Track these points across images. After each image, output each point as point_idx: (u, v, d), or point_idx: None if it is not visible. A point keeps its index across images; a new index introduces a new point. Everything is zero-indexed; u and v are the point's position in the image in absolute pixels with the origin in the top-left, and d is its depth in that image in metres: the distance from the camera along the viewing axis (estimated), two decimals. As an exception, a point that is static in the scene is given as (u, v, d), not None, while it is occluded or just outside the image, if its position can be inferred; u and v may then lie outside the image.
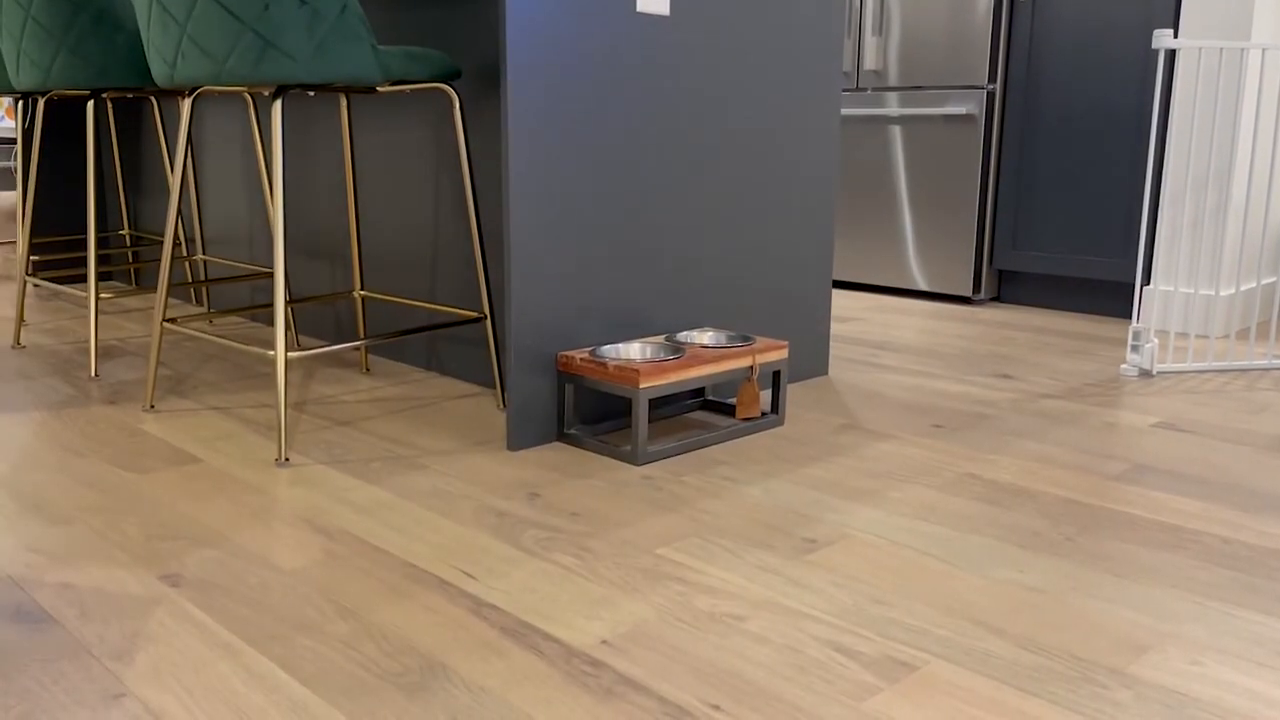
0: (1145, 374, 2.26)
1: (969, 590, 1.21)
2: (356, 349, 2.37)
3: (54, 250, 3.33)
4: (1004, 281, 3.24)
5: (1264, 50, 2.24)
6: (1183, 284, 2.70)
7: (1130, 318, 2.97)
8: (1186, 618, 1.14)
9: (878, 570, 1.26)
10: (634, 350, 1.77)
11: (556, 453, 1.71)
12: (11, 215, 4.45)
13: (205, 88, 1.73)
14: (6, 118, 4.46)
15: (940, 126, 3.15)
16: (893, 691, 0.99)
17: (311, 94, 2.48)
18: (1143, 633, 1.11)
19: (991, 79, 3.05)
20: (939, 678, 1.02)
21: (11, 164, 4.40)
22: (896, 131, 3.26)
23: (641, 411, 1.63)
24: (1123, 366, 2.29)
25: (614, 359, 1.70)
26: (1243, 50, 2.47)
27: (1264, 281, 2.88)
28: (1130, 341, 2.27)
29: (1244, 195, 2.65)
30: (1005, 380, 2.21)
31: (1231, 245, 2.67)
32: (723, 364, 1.75)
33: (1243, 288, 2.74)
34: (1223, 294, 2.67)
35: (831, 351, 2.49)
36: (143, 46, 2.17)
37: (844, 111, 3.36)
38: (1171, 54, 2.71)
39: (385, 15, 2.20)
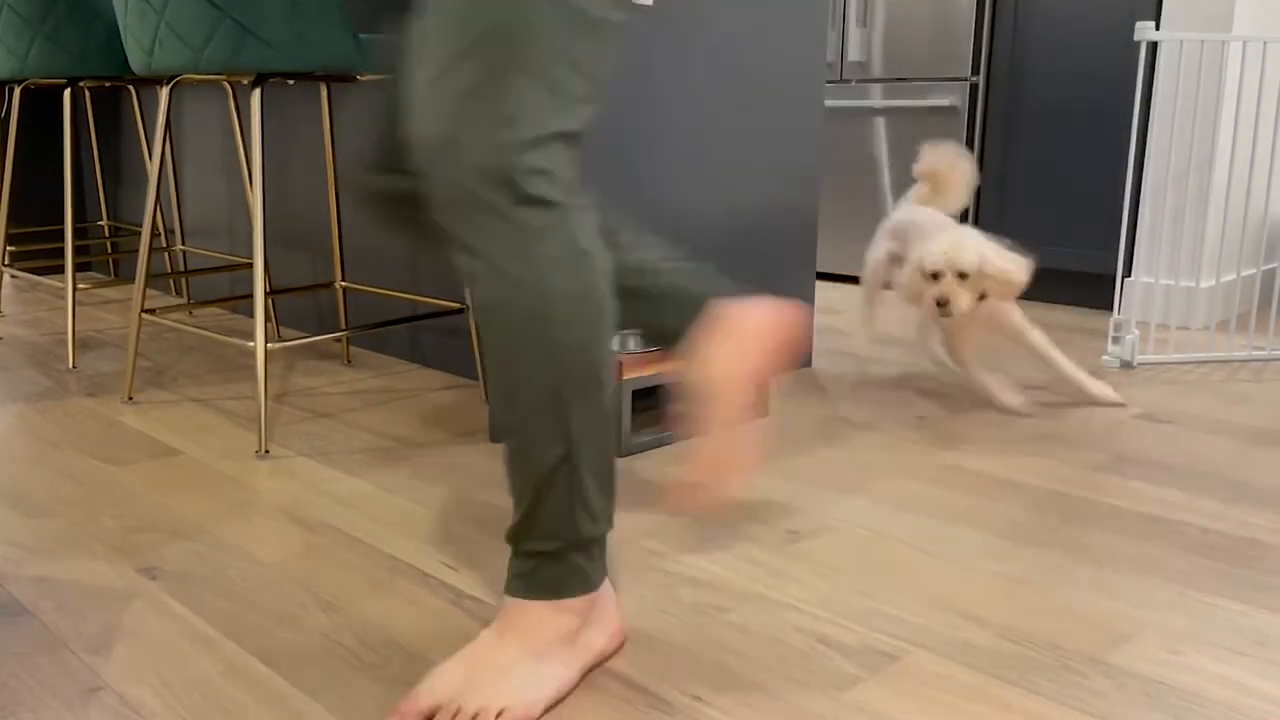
0: (1126, 365, 2.27)
1: (951, 580, 1.21)
2: (338, 340, 2.35)
3: (31, 241, 3.30)
4: (987, 273, 3.24)
5: (1245, 42, 2.25)
6: (1164, 276, 2.71)
7: (1111, 309, 2.98)
8: (1166, 607, 1.15)
9: (860, 561, 1.26)
10: (617, 341, 1.77)
11: (539, 444, 1.70)
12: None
13: (184, 76, 1.71)
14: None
15: (924, 118, 3.16)
16: (874, 681, 0.99)
17: (291, 82, 2.46)
18: (1123, 622, 1.11)
19: (975, 71, 3.05)
20: (920, 667, 1.02)
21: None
22: (880, 123, 3.26)
23: (624, 403, 1.62)
24: (1104, 358, 2.30)
25: (597, 350, 1.69)
26: (1224, 43, 2.48)
27: (1244, 273, 2.90)
28: (1111, 333, 2.28)
29: (1225, 187, 2.66)
30: (987, 372, 2.22)
31: (1212, 237, 2.68)
32: (706, 355, 1.75)
33: (1223, 279, 2.75)
34: (1203, 286, 2.68)
35: (815, 343, 2.49)
36: (120, 34, 2.15)
37: (828, 103, 3.36)
38: (1153, 46, 2.72)
39: (365, 3, 2.18)
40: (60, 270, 3.34)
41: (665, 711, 0.94)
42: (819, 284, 3.44)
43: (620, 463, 1.61)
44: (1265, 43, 2.23)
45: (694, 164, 1.92)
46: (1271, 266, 3.06)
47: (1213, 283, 2.71)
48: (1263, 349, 2.39)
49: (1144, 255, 2.72)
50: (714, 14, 1.89)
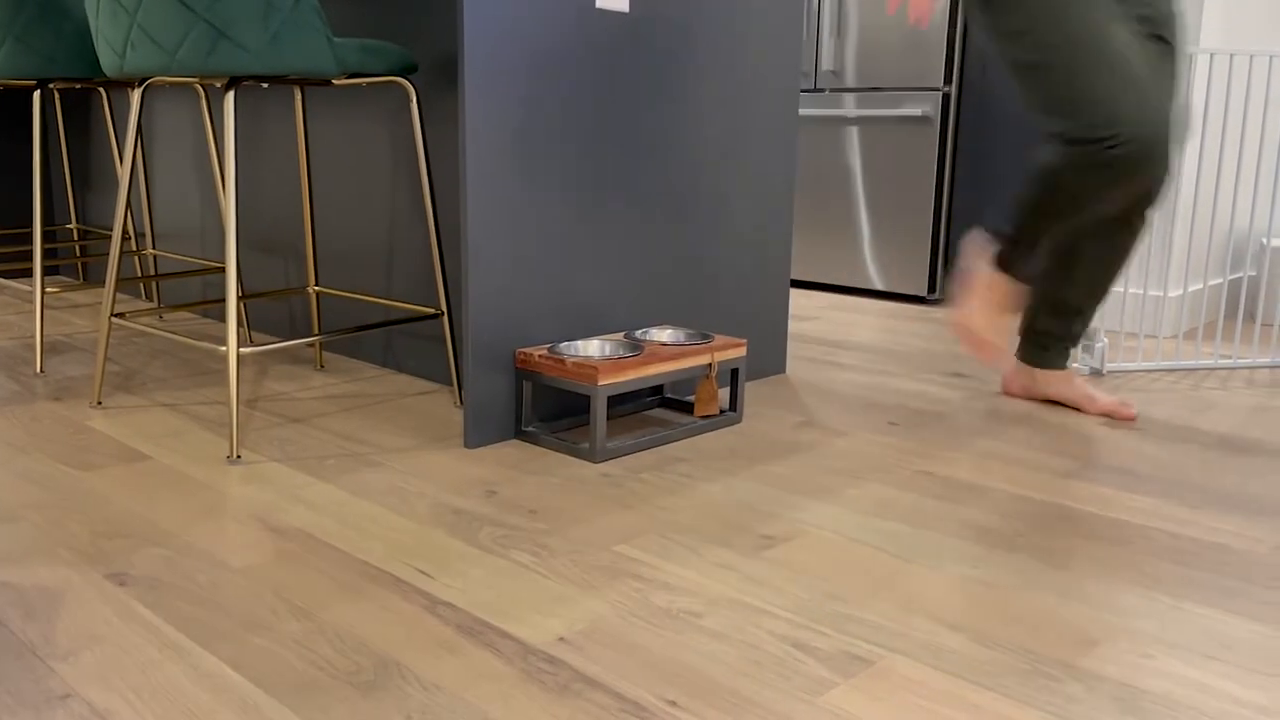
0: (1096, 373, 2.29)
1: (923, 586, 1.22)
2: (310, 345, 2.34)
3: (-2, 244, 3.25)
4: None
5: (1212, 55, 2.29)
6: (1133, 285, 2.74)
7: (1081, 318, 3.01)
8: (1136, 612, 1.16)
9: (834, 566, 1.27)
10: (593, 347, 1.77)
11: (514, 450, 1.70)
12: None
13: (155, 79, 1.70)
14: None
15: (897, 127, 3.18)
16: (848, 686, 1.00)
17: (265, 86, 2.45)
18: (1093, 626, 1.12)
19: (947, 81, 3.08)
20: (894, 672, 1.02)
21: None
22: (853, 132, 3.28)
23: (600, 409, 1.62)
24: (1074, 365, 2.32)
25: (572, 356, 1.69)
26: (1191, 55, 2.51)
27: (1211, 283, 2.94)
28: (1081, 341, 2.30)
29: (1192, 198, 2.70)
30: (959, 379, 2.23)
31: (1180, 247, 2.72)
32: (681, 362, 1.75)
33: (1190, 289, 2.79)
34: (1171, 295, 2.71)
35: (789, 350, 2.50)
36: (92, 36, 2.13)
37: (802, 112, 3.38)
38: (1122, 58, 2.75)
39: (341, 7, 2.17)
40: (28, 274, 3.30)
41: (640, 717, 0.94)
42: (792, 291, 3.46)
43: (594, 468, 1.61)
44: (1231, 55, 2.26)
45: (669, 170, 1.92)
46: (1238, 276, 3.10)
47: (1180, 292, 2.74)
48: (1229, 357, 2.42)
49: (1113, 264, 2.75)
50: (689, 21, 1.90)
